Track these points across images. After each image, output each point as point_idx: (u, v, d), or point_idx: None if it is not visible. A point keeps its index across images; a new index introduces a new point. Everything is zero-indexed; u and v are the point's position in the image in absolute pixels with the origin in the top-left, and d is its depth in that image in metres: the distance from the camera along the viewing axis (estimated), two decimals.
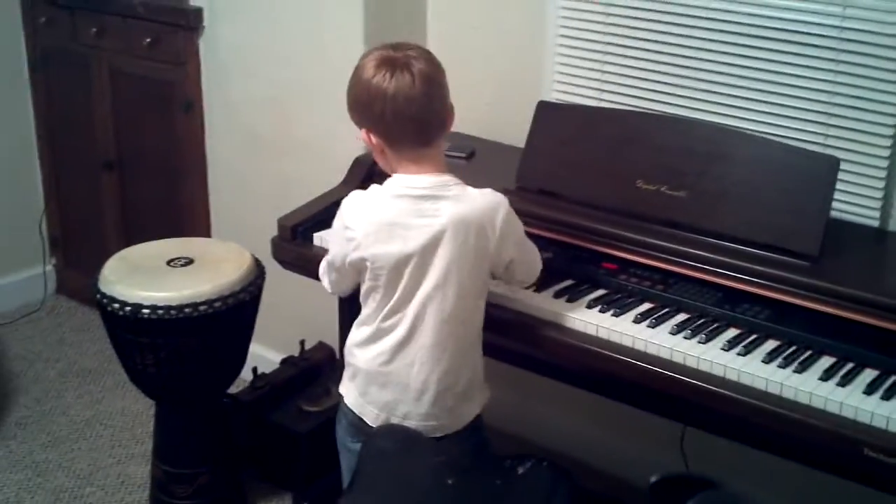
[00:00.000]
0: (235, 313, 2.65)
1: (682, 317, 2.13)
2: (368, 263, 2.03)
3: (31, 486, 3.05)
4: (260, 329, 2.84)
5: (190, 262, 2.72)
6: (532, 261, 2.18)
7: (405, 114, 1.97)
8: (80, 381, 3.60)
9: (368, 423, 2.13)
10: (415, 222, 2.00)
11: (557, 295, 2.22)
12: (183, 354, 2.63)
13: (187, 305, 2.55)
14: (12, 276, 4.02)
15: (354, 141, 2.89)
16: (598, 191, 2.36)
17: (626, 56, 2.64)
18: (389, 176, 2.08)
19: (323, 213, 2.59)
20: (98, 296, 2.62)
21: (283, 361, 3.18)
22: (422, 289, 2.02)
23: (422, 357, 2.06)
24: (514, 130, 2.69)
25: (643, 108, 2.61)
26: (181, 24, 3.31)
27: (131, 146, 3.68)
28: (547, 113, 2.49)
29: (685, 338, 2.05)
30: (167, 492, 2.80)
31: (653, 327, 2.09)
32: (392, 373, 2.08)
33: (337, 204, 2.58)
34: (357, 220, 2.04)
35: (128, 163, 3.71)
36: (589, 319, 2.12)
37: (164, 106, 3.47)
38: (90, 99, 3.71)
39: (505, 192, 2.43)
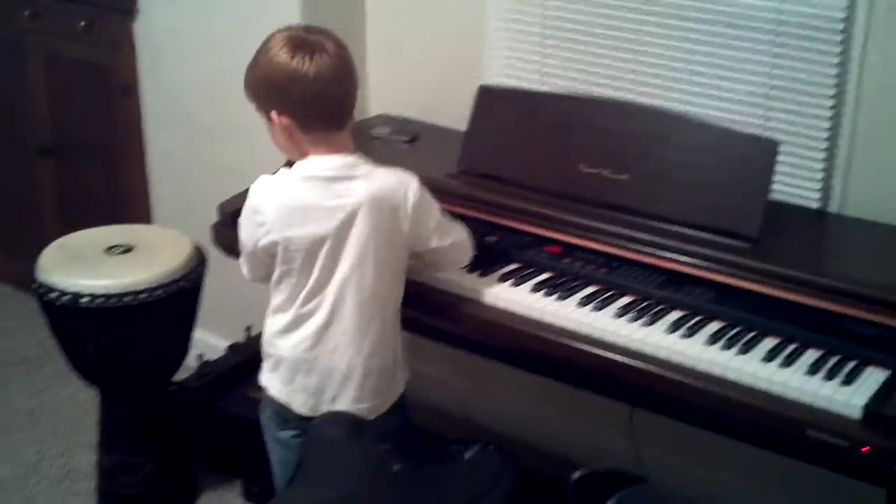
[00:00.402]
0: (176, 301, 2.63)
1: (626, 300, 2.14)
2: (280, 247, 2.03)
3: None
4: (205, 315, 2.82)
5: (129, 249, 2.69)
6: (456, 244, 2.18)
7: (324, 95, 1.99)
8: (22, 371, 3.54)
9: (295, 410, 2.13)
10: (327, 204, 2.00)
11: (502, 279, 2.23)
12: (124, 343, 2.61)
13: (127, 294, 2.53)
14: None
15: None
16: (541, 174, 2.36)
17: (567, 38, 2.62)
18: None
19: None
20: (35, 285, 2.59)
21: (230, 348, 3.16)
22: (339, 270, 2.03)
23: (345, 340, 2.07)
24: (457, 114, 2.68)
25: (585, 92, 2.61)
26: (115, 7, 3.25)
27: (69, 131, 3.61)
28: (488, 97, 2.48)
29: (629, 321, 2.06)
30: (114, 481, 2.78)
31: (597, 310, 2.10)
32: (317, 358, 2.08)
33: None
34: (266, 204, 2.03)
35: (65, 148, 3.64)
36: (533, 304, 2.13)
37: (102, 90, 3.41)
38: (24, 83, 3.63)
39: (447, 176, 2.45)
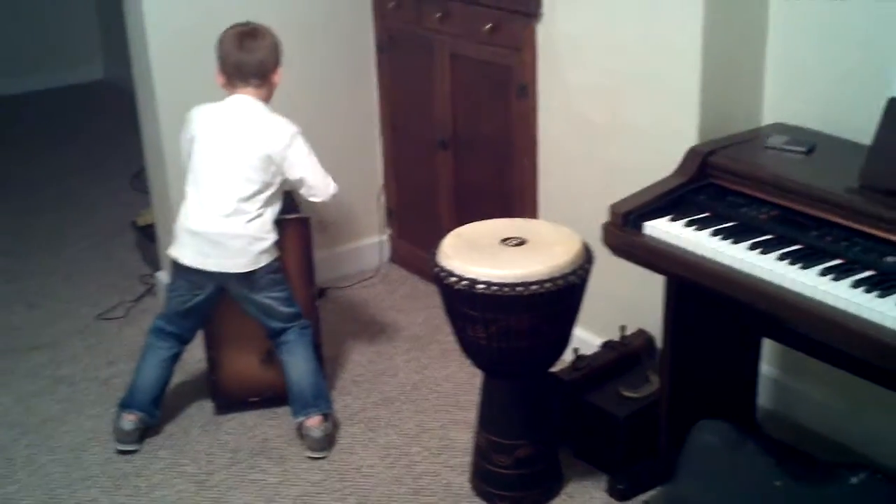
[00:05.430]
0: (564, 295, 2.73)
1: None
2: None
3: (364, 440, 3.28)
4: (583, 312, 2.91)
5: (523, 242, 2.82)
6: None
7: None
8: (408, 347, 3.81)
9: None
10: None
11: None
12: (511, 330, 2.74)
13: (519, 284, 2.66)
14: (353, 244, 4.31)
15: (690, 130, 2.90)
16: None
17: None
18: None
19: (655, 202, 2.61)
20: (436, 269, 2.78)
21: (604, 345, 3.23)
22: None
23: None
24: (859, 125, 2.59)
25: None
26: (521, 11, 3.41)
27: (466, 127, 3.84)
28: None
29: None
30: (488, 459, 2.93)
31: None
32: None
33: (670, 193, 2.62)
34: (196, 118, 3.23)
35: (462, 142, 3.88)
36: None
37: (500, 90, 3.59)
38: (431, 80, 3.90)
39: (847, 190, 2.38)
